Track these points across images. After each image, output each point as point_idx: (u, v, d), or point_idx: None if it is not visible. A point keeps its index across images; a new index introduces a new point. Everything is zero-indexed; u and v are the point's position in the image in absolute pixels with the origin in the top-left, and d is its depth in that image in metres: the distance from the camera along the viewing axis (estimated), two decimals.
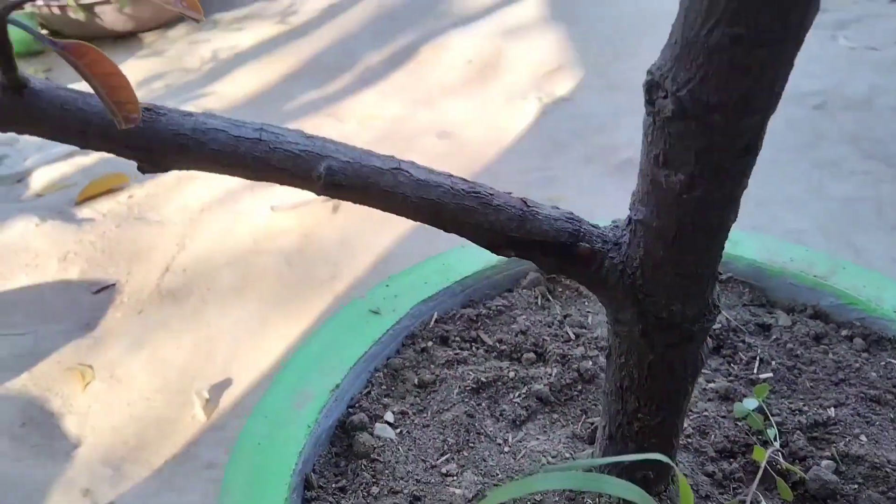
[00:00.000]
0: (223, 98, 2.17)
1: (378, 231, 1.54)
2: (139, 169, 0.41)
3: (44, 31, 2.48)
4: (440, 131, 1.92)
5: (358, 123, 2.03)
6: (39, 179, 1.77)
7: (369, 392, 0.62)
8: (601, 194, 1.60)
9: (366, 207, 0.43)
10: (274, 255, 1.50)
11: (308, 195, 1.57)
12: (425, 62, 2.33)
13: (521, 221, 0.43)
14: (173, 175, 1.77)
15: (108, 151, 0.40)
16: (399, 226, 1.53)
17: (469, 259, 0.72)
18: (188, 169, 0.41)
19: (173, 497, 1.06)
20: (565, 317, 0.70)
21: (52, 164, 1.82)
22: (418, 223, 0.43)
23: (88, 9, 2.41)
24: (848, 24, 2.33)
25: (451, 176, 0.43)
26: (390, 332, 0.65)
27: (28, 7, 2.44)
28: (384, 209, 0.43)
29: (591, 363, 0.65)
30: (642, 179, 0.41)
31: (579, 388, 0.64)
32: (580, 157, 1.72)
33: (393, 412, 0.61)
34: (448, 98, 2.11)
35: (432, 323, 0.68)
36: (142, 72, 2.30)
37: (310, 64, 2.38)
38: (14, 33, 0.39)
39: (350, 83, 2.27)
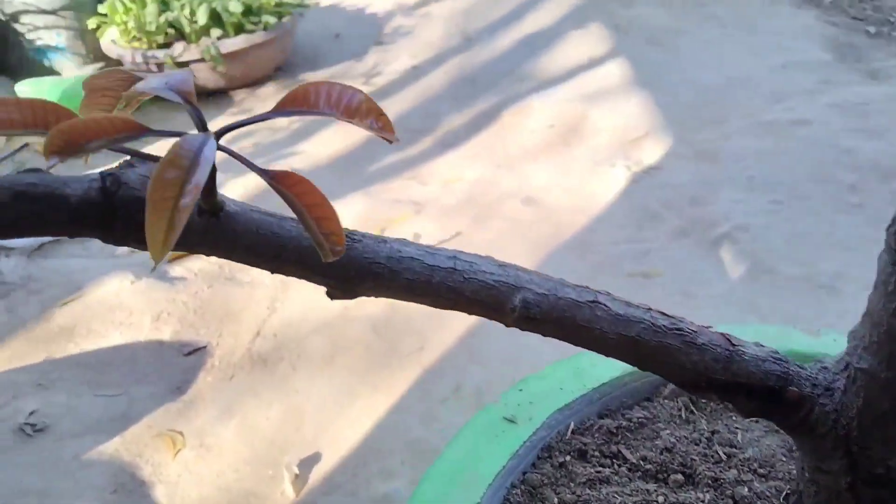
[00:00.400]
0: (309, 157, 2.21)
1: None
2: (328, 295, 0.39)
3: None
4: (525, 197, 1.90)
5: (441, 186, 2.03)
6: None
7: None
8: (698, 272, 1.54)
9: None
10: (362, 322, 1.48)
11: None
12: (507, 126, 2.33)
13: (726, 363, 0.39)
14: None
15: (300, 277, 0.38)
16: None
17: (604, 363, 0.68)
18: (377, 296, 0.39)
19: None
20: (713, 433, 0.65)
21: None
22: None
23: (183, 67, 2.50)
24: None
25: (650, 309, 0.40)
26: (527, 444, 0.61)
27: (126, 66, 2.55)
28: (576, 343, 0.40)
29: (746, 489, 0.59)
30: (872, 327, 0.37)
31: None
32: (674, 230, 1.67)
33: None
34: (531, 163, 2.09)
35: (569, 434, 0.64)
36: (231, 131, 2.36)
37: (393, 125, 2.40)
38: None
39: (432, 146, 2.28)
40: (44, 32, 2.60)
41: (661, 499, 0.59)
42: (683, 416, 0.67)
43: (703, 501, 0.59)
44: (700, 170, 1.92)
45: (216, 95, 2.62)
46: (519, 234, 1.73)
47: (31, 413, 1.29)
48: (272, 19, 2.60)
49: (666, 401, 0.68)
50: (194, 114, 0.35)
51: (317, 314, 1.51)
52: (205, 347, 1.44)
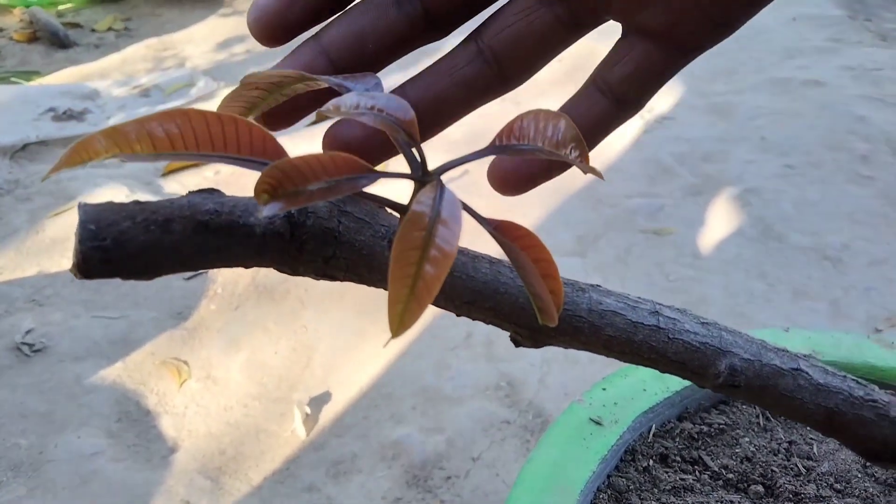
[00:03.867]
0: None
1: (475, 243, 1.48)
2: (513, 341, 0.36)
3: None
4: None
5: None
6: None
7: None
8: (712, 234, 1.53)
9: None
10: None
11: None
12: None
13: None
14: None
15: (488, 323, 0.35)
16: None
17: None
18: (566, 347, 0.35)
19: None
20: (790, 443, 0.65)
21: None
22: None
23: None
24: None
25: (847, 377, 0.38)
26: (614, 448, 0.60)
27: None
28: (769, 409, 0.37)
29: None
30: None
31: None
32: (687, 187, 1.66)
33: None
34: (538, 99, 2.02)
35: (650, 437, 0.63)
36: (223, 33, 2.21)
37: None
38: None
39: None
40: None
41: None
42: (761, 423, 0.66)
43: None
44: (713, 124, 1.89)
45: None
46: None
47: (28, 332, 1.23)
48: None
49: (744, 405, 0.67)
50: (416, 157, 0.30)
51: None
52: (206, 273, 1.39)
